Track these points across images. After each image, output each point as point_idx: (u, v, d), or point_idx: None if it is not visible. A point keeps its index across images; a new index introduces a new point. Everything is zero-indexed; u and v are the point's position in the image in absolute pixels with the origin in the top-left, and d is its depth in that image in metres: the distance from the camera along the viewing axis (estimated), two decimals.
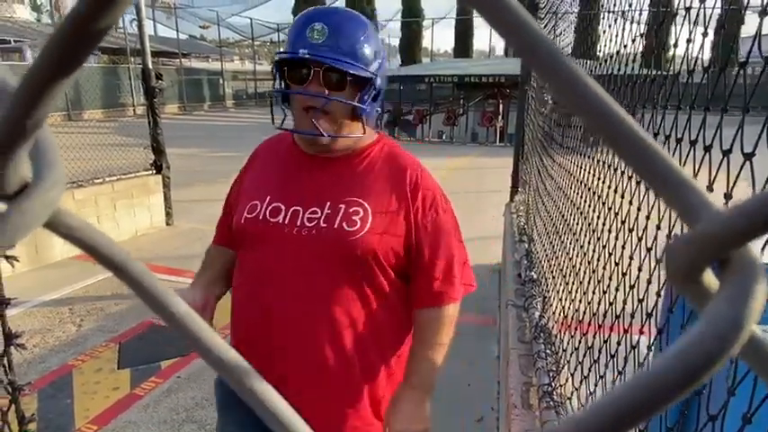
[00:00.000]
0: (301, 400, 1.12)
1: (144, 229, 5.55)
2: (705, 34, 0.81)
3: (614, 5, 1.53)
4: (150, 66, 5.37)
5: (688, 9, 0.84)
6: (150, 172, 5.64)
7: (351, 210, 1.09)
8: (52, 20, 13.10)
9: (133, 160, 5.62)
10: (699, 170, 0.78)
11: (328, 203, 1.10)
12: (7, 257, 0.92)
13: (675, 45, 0.89)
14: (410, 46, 31.22)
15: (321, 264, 1.09)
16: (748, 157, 0.55)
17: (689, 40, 0.86)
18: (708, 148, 0.69)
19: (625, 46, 1.35)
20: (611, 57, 1.46)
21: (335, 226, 1.08)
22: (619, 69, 1.35)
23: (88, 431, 2.48)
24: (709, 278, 0.12)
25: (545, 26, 3.70)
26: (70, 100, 16.02)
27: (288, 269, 1.10)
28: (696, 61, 0.87)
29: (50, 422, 2.51)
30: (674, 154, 0.88)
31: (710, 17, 0.86)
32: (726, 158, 0.66)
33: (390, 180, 1.14)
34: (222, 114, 22.71)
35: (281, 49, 1.09)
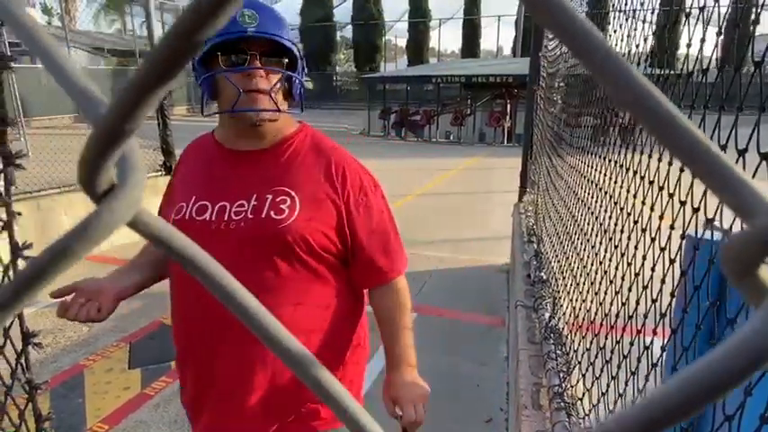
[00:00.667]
0: (245, 403, 1.11)
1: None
2: (719, 33, 0.80)
3: (625, 4, 1.52)
4: None
5: (702, 9, 0.83)
6: (159, 173, 5.68)
7: (278, 199, 1.09)
8: (63, 23, 13.23)
9: (142, 161, 5.66)
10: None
11: (255, 195, 1.10)
12: (25, 257, 0.93)
13: (689, 45, 0.89)
14: (417, 46, 31.22)
15: (253, 256, 1.08)
16: (765, 156, 0.55)
17: (702, 40, 0.85)
18: (723, 148, 0.69)
19: (637, 46, 1.34)
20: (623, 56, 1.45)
21: (263, 215, 1.08)
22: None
23: (100, 431, 2.50)
24: (766, 273, 0.12)
25: None
26: None
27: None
28: (709, 61, 0.86)
29: (62, 421, 2.54)
30: None
31: (724, 17, 0.85)
32: (741, 158, 0.65)
33: (316, 167, 1.15)
34: None
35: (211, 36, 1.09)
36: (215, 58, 1.08)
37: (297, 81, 1.15)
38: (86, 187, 0.13)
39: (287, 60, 1.13)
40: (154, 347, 3.25)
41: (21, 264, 0.96)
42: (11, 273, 0.98)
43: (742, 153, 0.61)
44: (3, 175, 0.92)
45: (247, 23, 1.05)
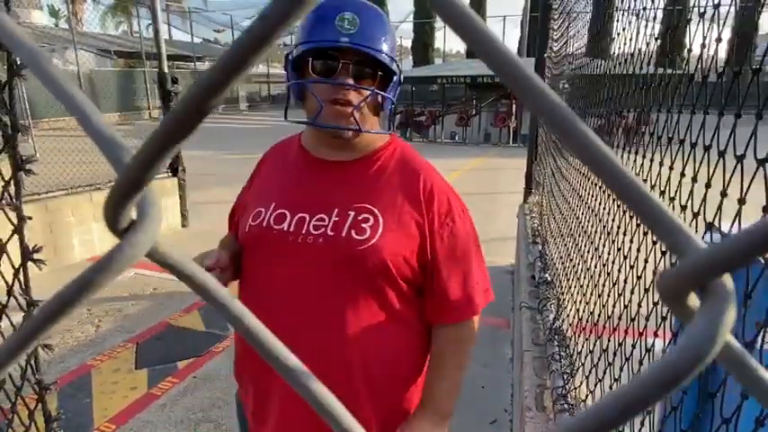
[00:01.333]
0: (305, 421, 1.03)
1: (160, 231, 5.63)
2: (719, 40, 0.81)
3: (629, 5, 1.52)
4: (166, 70, 5.45)
5: (702, 14, 0.84)
6: (166, 174, 5.72)
7: (360, 217, 1.02)
8: (70, 26, 13.34)
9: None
10: (713, 175, 0.78)
11: (336, 210, 1.03)
12: (35, 260, 0.95)
13: (690, 50, 0.89)
14: (422, 47, 31.23)
15: (328, 275, 1.02)
16: (762, 162, 0.55)
17: (703, 45, 0.86)
18: (721, 154, 0.70)
19: (641, 50, 1.35)
20: (627, 58, 1.46)
21: (343, 234, 1.01)
22: (637, 70, 1.35)
23: (107, 430, 2.53)
24: (693, 300, 0.14)
25: (558, 27, 3.69)
26: None
27: (293, 280, 1.04)
28: (712, 62, 0.87)
29: (70, 421, 2.57)
30: (687, 158, 0.88)
31: (726, 16, 0.86)
32: (740, 163, 0.66)
33: (403, 186, 1.07)
34: (236, 117, 22.94)
35: (303, 40, 1.00)
36: (306, 61, 1.01)
37: (388, 99, 1.06)
38: (110, 225, 0.15)
39: (381, 73, 1.04)
40: (161, 348, 3.28)
41: (30, 266, 0.98)
42: (21, 276, 1.00)
43: (740, 159, 0.62)
44: (13, 180, 0.94)
45: (346, 29, 0.97)
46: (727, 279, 0.14)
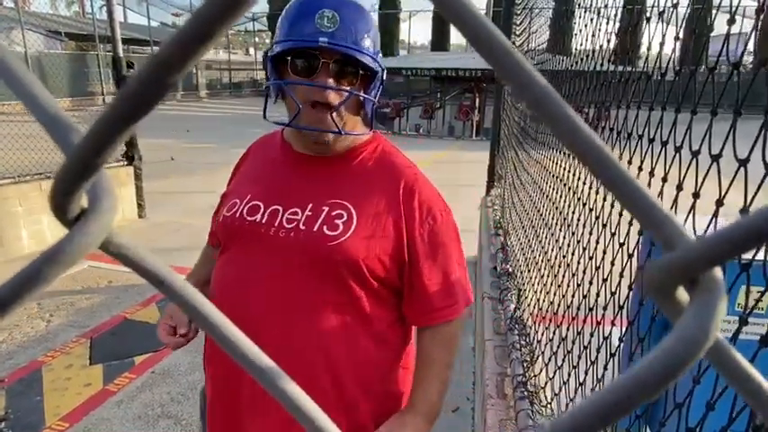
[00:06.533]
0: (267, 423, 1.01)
1: (115, 222, 5.42)
2: (678, 38, 0.83)
3: (590, 3, 1.55)
4: (121, 54, 5.24)
5: (662, 12, 0.86)
6: (122, 163, 5.52)
7: (334, 213, 1.01)
8: (16, 4, 12.61)
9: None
10: (669, 170, 0.81)
11: (310, 205, 1.02)
12: None
13: (649, 48, 0.92)
14: (387, 38, 31.15)
15: (297, 270, 1.00)
16: (715, 157, 0.58)
17: (661, 44, 0.89)
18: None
19: (604, 44, 1.38)
20: (588, 55, 1.49)
21: (315, 229, 0.99)
22: (598, 66, 1.38)
23: (59, 428, 2.43)
24: (682, 294, 0.14)
25: (520, 23, 3.74)
26: None
27: (262, 274, 1.02)
28: (669, 61, 0.90)
29: (19, 420, 2.45)
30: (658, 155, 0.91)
31: (684, 17, 0.89)
32: (695, 159, 0.69)
33: (382, 183, 1.05)
34: (195, 105, 22.30)
35: (282, 38, 0.98)
36: (286, 60, 0.99)
37: (371, 95, 1.03)
38: (58, 214, 0.13)
39: (362, 71, 1.00)
40: (116, 343, 3.17)
41: None
42: None
43: (695, 155, 0.64)
44: None
45: (325, 27, 0.94)
46: (718, 272, 0.14)
